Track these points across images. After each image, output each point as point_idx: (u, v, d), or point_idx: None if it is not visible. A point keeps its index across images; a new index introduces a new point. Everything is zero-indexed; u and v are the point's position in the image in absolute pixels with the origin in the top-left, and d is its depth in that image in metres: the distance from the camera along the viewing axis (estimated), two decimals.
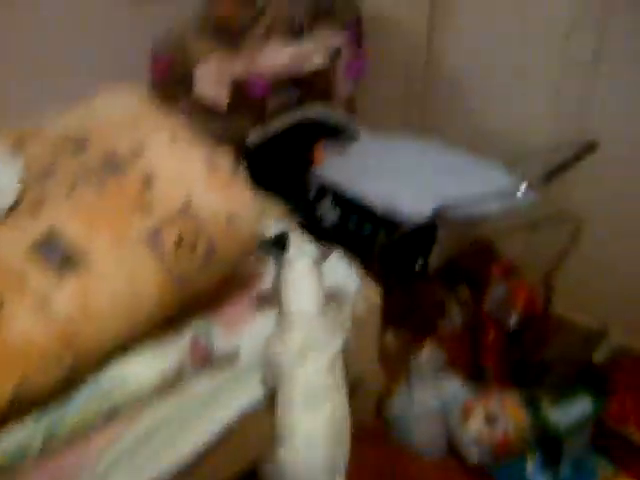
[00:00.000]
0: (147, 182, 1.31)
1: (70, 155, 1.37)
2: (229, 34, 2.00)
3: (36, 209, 1.26)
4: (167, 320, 1.37)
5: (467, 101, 2.38)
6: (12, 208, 1.29)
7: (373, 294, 1.75)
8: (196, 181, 1.35)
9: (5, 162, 1.31)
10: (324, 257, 1.53)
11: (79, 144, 1.39)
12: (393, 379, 2.07)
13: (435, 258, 1.93)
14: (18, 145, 1.47)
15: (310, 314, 1.41)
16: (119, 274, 1.23)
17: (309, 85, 2.57)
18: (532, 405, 1.94)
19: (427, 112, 2.49)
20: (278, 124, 2.23)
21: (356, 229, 1.94)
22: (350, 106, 2.40)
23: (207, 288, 1.42)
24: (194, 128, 1.48)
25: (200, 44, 1.99)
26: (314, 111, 2.28)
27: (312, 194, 2.03)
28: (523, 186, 1.64)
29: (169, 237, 1.28)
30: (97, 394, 1.23)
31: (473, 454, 1.88)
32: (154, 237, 1.27)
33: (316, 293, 1.44)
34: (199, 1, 2.00)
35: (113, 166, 1.33)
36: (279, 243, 1.55)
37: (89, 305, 1.19)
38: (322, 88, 2.56)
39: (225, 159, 1.42)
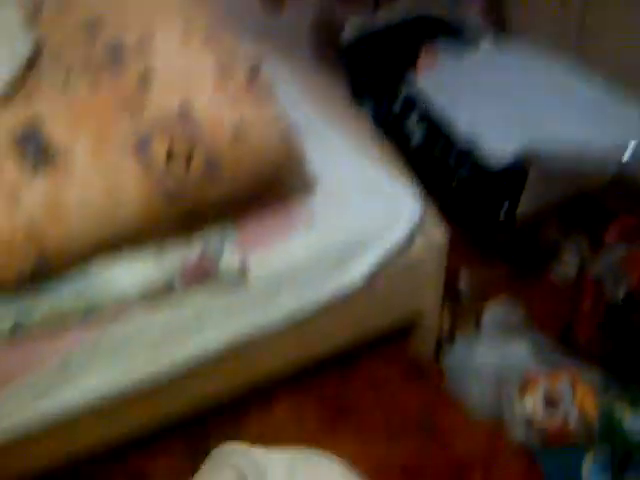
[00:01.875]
0: (145, 80, 1.18)
1: (81, 38, 1.29)
2: None
3: (29, 97, 1.22)
4: (169, 229, 1.30)
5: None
6: (9, 92, 1.25)
7: (438, 233, 1.53)
8: (202, 84, 1.19)
9: (12, 42, 1.26)
10: None
11: (92, 28, 1.29)
12: (459, 325, 1.85)
13: (529, 205, 1.60)
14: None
15: None
16: (97, 181, 1.16)
17: None
18: (610, 401, 1.61)
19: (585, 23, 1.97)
20: (389, 15, 1.93)
21: (441, 156, 1.66)
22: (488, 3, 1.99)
23: (219, 203, 1.31)
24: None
25: None
26: (434, 6, 1.93)
27: (400, 104, 1.75)
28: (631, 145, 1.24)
29: (160, 146, 1.17)
30: (73, 292, 1.23)
31: (519, 433, 1.64)
32: (142, 144, 1.17)
33: None
34: None
35: (116, 57, 1.22)
36: None
37: (58, 207, 1.14)
38: None
39: (245, 62, 1.23)
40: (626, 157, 1.42)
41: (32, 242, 1.13)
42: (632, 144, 1.48)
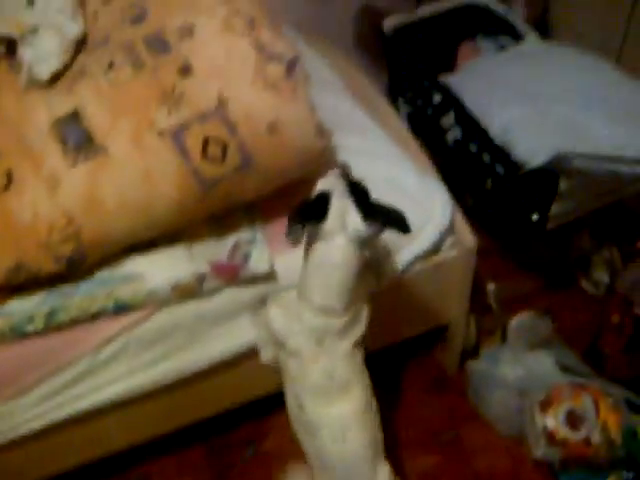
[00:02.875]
0: (184, 71, 1.17)
1: (127, 25, 1.26)
2: None
3: (74, 82, 1.20)
4: (202, 225, 1.29)
5: None
6: (56, 75, 1.24)
7: (467, 239, 1.49)
8: (238, 79, 1.17)
9: (62, 25, 1.23)
10: (370, 237, 1.15)
11: (139, 14, 1.26)
12: (485, 338, 1.80)
13: (562, 209, 1.55)
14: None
15: (334, 311, 1.16)
16: (135, 169, 1.15)
17: None
18: (634, 421, 1.56)
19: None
20: (430, 9, 1.87)
21: (477, 154, 1.61)
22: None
23: (251, 199, 1.29)
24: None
25: None
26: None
27: (438, 99, 1.69)
28: None
29: (196, 137, 1.16)
30: (106, 287, 1.21)
31: (540, 448, 1.59)
32: (179, 135, 1.15)
33: (346, 289, 1.15)
34: None
35: (159, 45, 1.20)
36: (317, 207, 1.13)
37: (97, 198, 1.14)
38: None
39: (284, 54, 1.19)
40: None
41: (70, 230, 1.13)
42: None
